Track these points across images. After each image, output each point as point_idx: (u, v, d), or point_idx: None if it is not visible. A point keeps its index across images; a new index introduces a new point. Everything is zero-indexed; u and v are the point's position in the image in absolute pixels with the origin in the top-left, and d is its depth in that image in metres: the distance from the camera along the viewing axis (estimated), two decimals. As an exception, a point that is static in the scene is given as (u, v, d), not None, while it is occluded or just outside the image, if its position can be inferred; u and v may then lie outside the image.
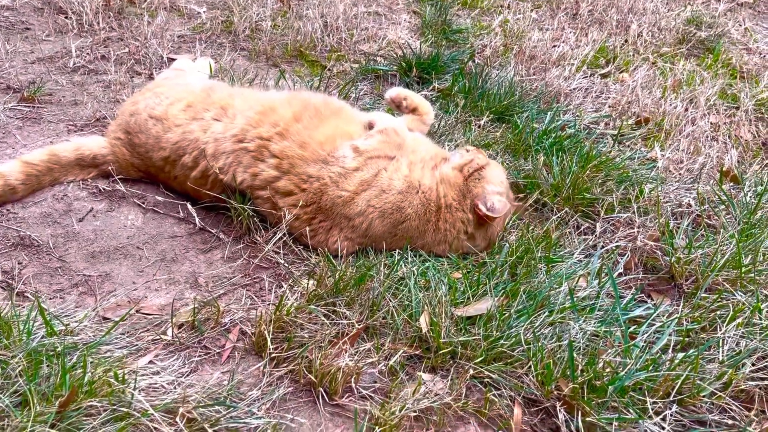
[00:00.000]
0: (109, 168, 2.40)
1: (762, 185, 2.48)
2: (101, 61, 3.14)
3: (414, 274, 1.98)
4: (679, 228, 2.28)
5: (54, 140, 2.60)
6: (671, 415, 1.71)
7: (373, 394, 1.75)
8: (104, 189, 2.39)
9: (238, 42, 3.42)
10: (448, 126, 2.74)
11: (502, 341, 1.78)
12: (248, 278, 2.14)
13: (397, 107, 2.59)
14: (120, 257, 2.18)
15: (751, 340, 1.84)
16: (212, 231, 2.29)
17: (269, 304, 1.97)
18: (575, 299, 1.91)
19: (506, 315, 1.84)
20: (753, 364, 1.83)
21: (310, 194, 2.13)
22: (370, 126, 2.29)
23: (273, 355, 1.79)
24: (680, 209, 2.42)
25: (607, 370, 1.73)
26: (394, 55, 3.27)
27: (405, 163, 2.20)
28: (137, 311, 1.98)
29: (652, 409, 1.70)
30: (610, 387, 1.65)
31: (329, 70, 3.25)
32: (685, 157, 2.75)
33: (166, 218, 2.34)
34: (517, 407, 1.73)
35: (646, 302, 2.08)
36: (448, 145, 2.61)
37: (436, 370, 1.83)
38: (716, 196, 2.43)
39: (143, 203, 2.38)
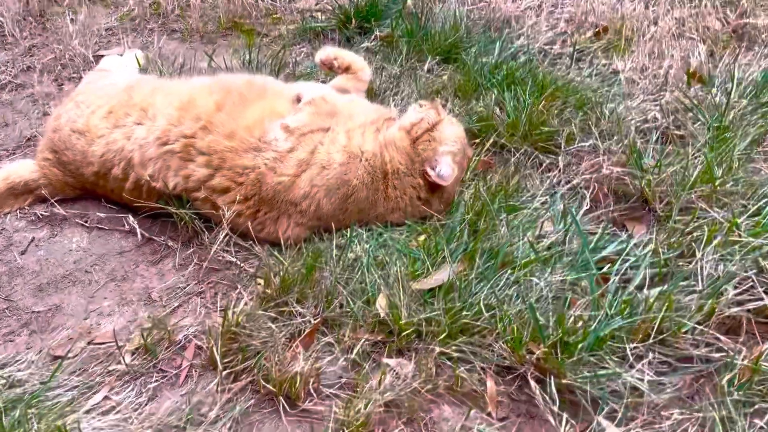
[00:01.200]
0: (43, 192, 2.27)
1: (732, 81, 2.30)
2: (27, 73, 2.98)
3: (368, 253, 1.85)
4: (646, 146, 2.12)
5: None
6: (655, 358, 1.59)
7: (339, 392, 1.67)
8: (43, 215, 2.28)
9: (168, 24, 3.24)
10: (393, 77, 2.56)
11: (464, 312, 1.66)
12: (202, 285, 2.04)
13: (329, 69, 2.43)
14: (68, 285, 2.08)
15: (731, 263, 1.70)
16: (159, 240, 2.19)
17: (221, 311, 1.86)
18: (540, 249, 1.78)
19: (466, 282, 1.71)
20: (735, 287, 1.70)
21: (248, 187, 2.01)
22: (298, 99, 2.13)
23: (229, 369, 1.69)
24: (647, 125, 2.25)
25: (579, 324, 1.61)
26: (331, 8, 3.07)
27: (342, 132, 2.05)
28: (89, 343, 1.88)
29: (633, 355, 1.59)
30: (582, 344, 1.53)
31: (265, 36, 3.06)
32: (650, 63, 2.56)
33: (112, 234, 2.23)
34: (489, 380, 1.63)
35: (619, 236, 1.94)
36: (393, 100, 2.45)
37: (402, 352, 1.73)
38: (682, 104, 2.26)
39: (86, 222, 2.27)
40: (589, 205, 2.02)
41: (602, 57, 2.69)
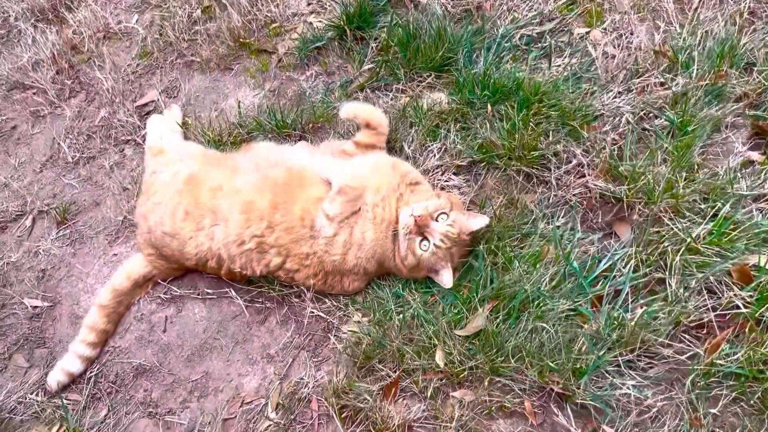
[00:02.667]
0: (158, 278, 2.95)
1: (698, 52, 2.63)
2: (88, 142, 3.47)
3: (418, 311, 2.49)
4: (623, 151, 2.57)
5: (102, 258, 3.13)
6: (641, 363, 2.26)
7: (424, 423, 2.43)
8: (165, 298, 2.96)
9: (183, 54, 3.57)
10: (397, 111, 2.96)
11: (499, 358, 2.34)
12: (303, 337, 2.75)
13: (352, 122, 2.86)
14: (207, 353, 2.83)
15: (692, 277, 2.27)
16: (259, 301, 2.86)
17: (329, 362, 2.59)
18: (545, 284, 2.40)
19: (497, 329, 2.36)
20: (699, 292, 2.29)
21: (314, 267, 2.62)
22: (328, 183, 2.63)
23: (345, 418, 2.47)
24: (622, 124, 2.66)
25: (584, 348, 2.27)
26: (322, 10, 3.34)
27: (370, 210, 2.57)
28: (242, 402, 2.68)
29: (624, 364, 2.26)
30: (586, 372, 2.21)
31: (273, 53, 3.40)
32: (623, 32, 2.85)
33: (221, 301, 2.92)
34: (526, 401, 2.34)
35: (607, 249, 2.49)
36: (408, 145, 2.87)
37: (462, 384, 2.44)
38: (650, 103, 2.64)
39: (199, 294, 2.94)
40: (581, 218, 2.54)
41: (581, 27, 2.95)
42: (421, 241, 2.48)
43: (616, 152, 2.61)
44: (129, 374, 2.85)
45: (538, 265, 2.44)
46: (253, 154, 2.86)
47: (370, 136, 2.80)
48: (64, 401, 2.82)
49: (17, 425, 2.81)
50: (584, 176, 2.61)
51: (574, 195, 2.61)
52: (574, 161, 2.63)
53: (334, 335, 2.69)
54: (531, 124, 2.65)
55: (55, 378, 2.83)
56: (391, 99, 3.05)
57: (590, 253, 2.49)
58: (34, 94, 3.66)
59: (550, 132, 2.66)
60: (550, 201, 2.64)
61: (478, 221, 2.48)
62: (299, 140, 3.09)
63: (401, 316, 2.53)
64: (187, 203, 2.75)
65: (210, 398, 2.74)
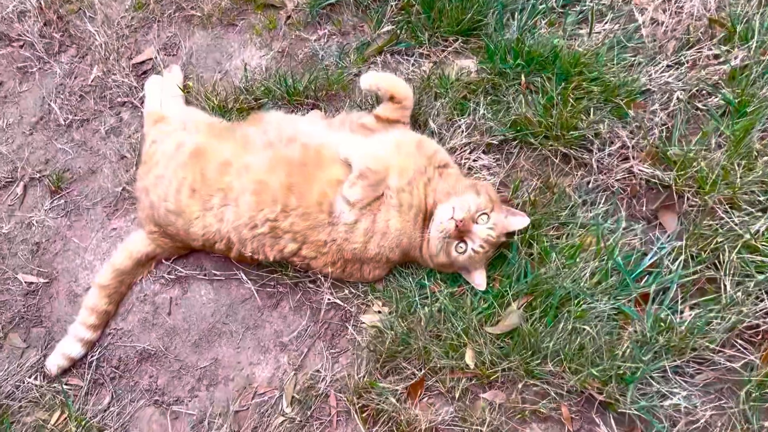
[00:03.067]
0: (161, 257, 2.76)
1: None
2: (81, 103, 3.21)
3: (446, 305, 2.31)
4: (672, 133, 2.35)
5: (100, 232, 2.92)
6: (690, 370, 2.10)
7: (452, 426, 2.28)
8: (169, 278, 2.77)
9: (181, 7, 3.27)
10: (420, 80, 2.71)
11: (534, 360, 2.17)
12: (319, 325, 2.58)
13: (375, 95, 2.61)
14: (216, 338, 2.67)
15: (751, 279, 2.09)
16: (270, 285, 2.67)
17: (347, 354, 2.43)
18: (585, 280, 2.21)
19: (532, 328, 2.19)
20: (757, 297, 2.11)
21: (332, 254, 2.43)
22: (348, 163, 2.40)
23: (366, 417, 2.32)
24: (672, 103, 2.42)
25: (628, 351, 2.11)
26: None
27: (395, 196, 2.35)
28: (255, 394, 2.53)
29: (671, 370, 2.10)
30: (631, 385, 2.06)
31: (281, 9, 3.11)
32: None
33: (230, 283, 2.74)
34: (563, 407, 2.20)
35: (653, 243, 2.29)
36: (434, 121, 2.63)
37: (493, 385, 2.29)
38: (704, 77, 2.39)
39: (205, 275, 2.76)
40: (624, 206, 2.33)
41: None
42: (458, 243, 2.27)
43: (664, 134, 2.38)
44: (133, 359, 2.69)
45: (577, 259, 2.25)
46: (264, 126, 2.62)
47: (393, 110, 2.56)
48: (65, 387, 2.66)
49: (15, 411, 2.66)
50: (628, 160, 2.39)
51: (616, 180, 2.39)
52: (618, 143, 2.40)
53: (353, 325, 2.51)
54: (570, 99, 2.41)
55: (55, 362, 2.68)
56: (413, 65, 2.78)
57: (634, 245, 2.29)
58: (21, 47, 3.36)
59: (591, 109, 2.42)
60: (590, 186, 2.42)
61: (518, 222, 2.29)
62: (312, 109, 2.83)
63: (426, 309, 2.34)
64: (193, 179, 2.53)
65: (220, 387, 2.59)
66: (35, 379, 2.71)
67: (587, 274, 2.25)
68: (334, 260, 2.45)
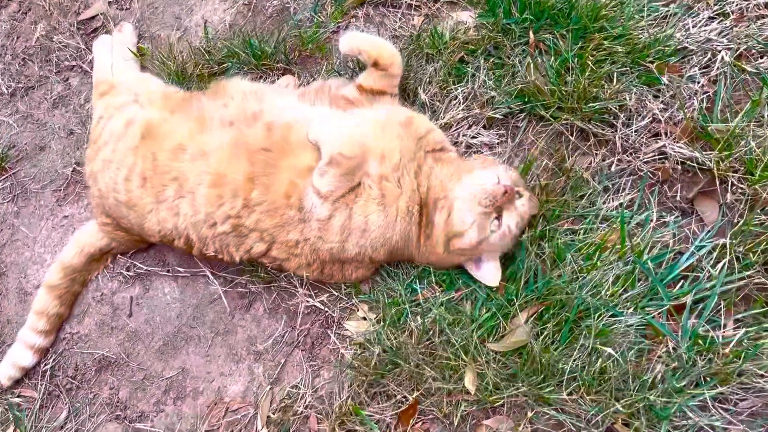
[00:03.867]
0: (117, 252, 2.41)
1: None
2: (24, 67, 2.80)
3: (441, 318, 1.96)
4: (714, 105, 1.91)
5: (50, 220, 2.58)
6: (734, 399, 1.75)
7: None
8: (128, 275, 2.43)
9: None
10: (409, 38, 2.26)
11: (547, 385, 1.82)
12: (297, 331, 2.24)
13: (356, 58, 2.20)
14: (182, 344, 2.36)
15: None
16: (242, 283, 2.33)
17: (329, 366, 2.09)
18: (607, 287, 1.83)
19: (543, 345, 1.83)
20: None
21: (306, 255, 2.06)
22: (317, 146, 2.00)
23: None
24: (713, 65, 1.97)
25: (659, 375, 1.75)
26: None
27: (375, 185, 1.96)
28: (226, 410, 2.22)
29: (711, 397, 1.75)
30: (665, 422, 1.71)
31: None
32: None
33: (196, 279, 2.40)
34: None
35: (689, 241, 1.90)
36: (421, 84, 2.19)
37: (497, 410, 1.95)
38: (754, 33, 1.93)
39: (168, 271, 2.42)
40: (655, 194, 1.93)
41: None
42: (494, 219, 1.92)
43: (704, 105, 1.94)
44: (91, 368, 2.38)
45: (597, 261, 1.86)
46: (226, 99, 2.21)
47: (378, 79, 2.13)
48: (17, 399, 2.36)
49: (-37, 425, 2.38)
50: (660, 137, 1.97)
51: (645, 162, 1.97)
52: (647, 116, 1.96)
53: (335, 333, 2.16)
54: (589, 63, 1.96)
55: (5, 373, 2.39)
56: (401, 19, 2.32)
57: (666, 243, 1.90)
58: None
59: (615, 75, 1.98)
60: (613, 169, 2.01)
61: (535, 205, 1.97)
62: (283, 74, 2.40)
63: (419, 320, 1.98)
64: (143, 165, 2.14)
65: (188, 401, 2.28)
66: (-16, 390, 2.41)
67: (609, 280, 1.86)
68: (309, 261, 2.07)
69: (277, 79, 2.41)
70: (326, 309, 2.20)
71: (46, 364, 2.41)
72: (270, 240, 2.04)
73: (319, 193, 1.94)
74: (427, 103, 2.15)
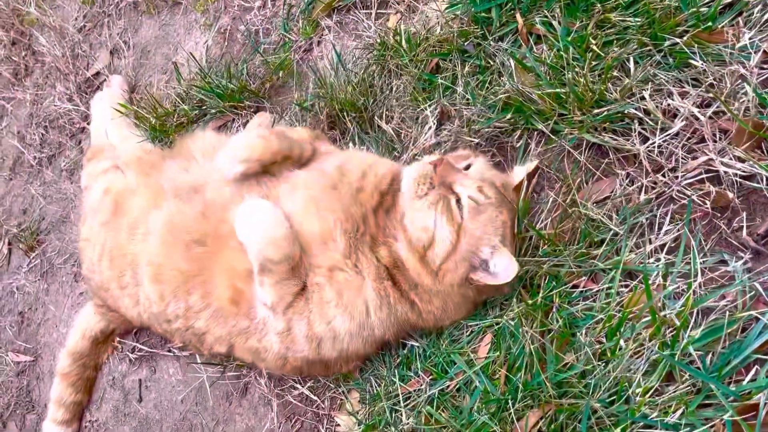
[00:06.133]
0: (120, 333, 2.21)
1: None
2: (47, 135, 2.72)
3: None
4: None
5: (70, 297, 2.49)
6: None
7: None
8: (134, 357, 2.21)
9: (127, -6, 2.57)
10: (377, 52, 1.74)
11: None
12: (291, 423, 1.87)
13: None
14: (188, 432, 2.08)
15: None
16: (233, 366, 2.01)
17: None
18: (637, 378, 1.22)
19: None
20: None
21: (276, 360, 1.67)
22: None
23: None
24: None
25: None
26: None
27: (326, 281, 1.50)
28: None
29: None
30: None
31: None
32: None
33: (195, 358, 2.11)
34: None
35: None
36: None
37: None
38: None
39: (169, 350, 2.18)
40: (702, 229, 1.26)
41: None
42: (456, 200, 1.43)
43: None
44: (111, 457, 2.19)
45: (621, 340, 1.24)
46: (189, 160, 1.89)
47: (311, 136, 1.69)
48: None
49: None
50: (704, 143, 1.28)
51: (687, 184, 1.30)
52: (682, 117, 1.28)
53: (326, 428, 1.75)
54: (592, 46, 1.33)
55: (34, 467, 2.26)
56: (376, 22, 1.82)
57: (725, 305, 1.23)
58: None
59: (631, 60, 1.33)
60: (641, 199, 1.35)
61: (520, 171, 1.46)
62: (256, 112, 2.01)
63: (405, 419, 1.50)
64: (111, 244, 1.89)
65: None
66: (29, 478, 2.34)
67: (641, 369, 1.24)
68: (283, 365, 1.67)
69: (251, 119, 2.02)
70: (315, 397, 1.80)
71: (72, 454, 2.27)
72: (229, 344, 1.68)
73: (266, 305, 1.53)
74: (391, 133, 1.63)
